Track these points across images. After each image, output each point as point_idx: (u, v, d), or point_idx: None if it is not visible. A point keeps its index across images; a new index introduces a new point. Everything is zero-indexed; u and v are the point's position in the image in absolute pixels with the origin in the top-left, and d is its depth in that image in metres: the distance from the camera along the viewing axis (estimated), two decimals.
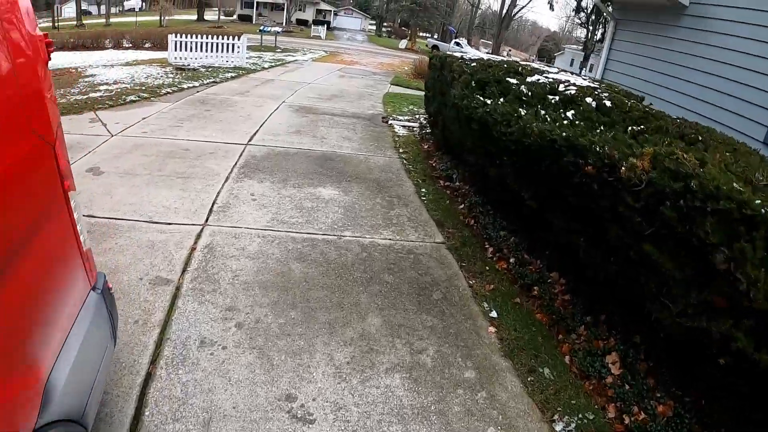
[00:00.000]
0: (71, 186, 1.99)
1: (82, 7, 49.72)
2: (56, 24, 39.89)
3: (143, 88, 11.40)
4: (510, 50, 68.47)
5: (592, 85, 5.76)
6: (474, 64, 6.43)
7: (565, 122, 4.24)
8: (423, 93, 14.66)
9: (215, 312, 3.66)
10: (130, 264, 4.16)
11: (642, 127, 4.07)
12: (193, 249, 4.46)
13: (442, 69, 7.37)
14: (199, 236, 4.69)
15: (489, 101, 5.06)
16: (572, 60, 52.95)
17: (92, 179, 5.83)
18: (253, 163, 6.79)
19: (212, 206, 5.35)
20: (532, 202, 4.39)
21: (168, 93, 11.21)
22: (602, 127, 4.05)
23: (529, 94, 5.06)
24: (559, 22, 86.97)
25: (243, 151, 7.31)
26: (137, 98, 10.35)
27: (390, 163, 7.50)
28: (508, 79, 5.58)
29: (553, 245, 4.53)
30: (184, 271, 4.13)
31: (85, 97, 10.18)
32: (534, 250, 4.94)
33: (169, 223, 4.88)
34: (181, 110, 9.57)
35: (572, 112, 4.49)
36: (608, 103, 4.74)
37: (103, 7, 52.91)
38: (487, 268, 4.81)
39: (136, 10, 59.77)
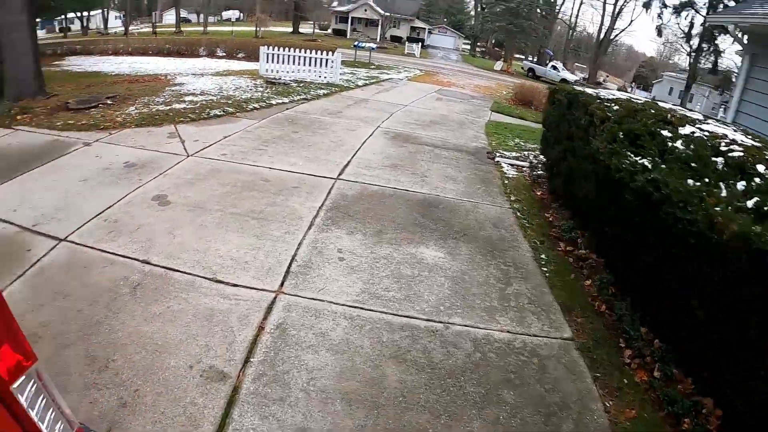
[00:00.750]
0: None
1: (182, 15, 51.91)
2: (155, 30, 41.65)
3: (229, 101, 10.80)
4: (607, 76, 65.12)
5: (756, 143, 4.44)
6: (616, 107, 5.21)
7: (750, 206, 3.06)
8: (527, 122, 13.49)
9: None
10: (181, 341, 3.28)
11: None
12: (260, 328, 3.49)
13: (571, 108, 6.16)
14: (269, 309, 3.72)
15: (646, 162, 3.92)
16: (671, 89, 49.40)
17: (157, 211, 5.08)
18: (344, 206, 5.77)
19: (290, 264, 4.37)
20: (701, 312, 3.19)
21: (255, 108, 10.52)
22: None
23: (694, 156, 3.87)
24: (657, 47, 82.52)
25: (332, 187, 6.32)
26: (222, 113, 9.74)
27: (502, 214, 6.27)
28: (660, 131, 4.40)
29: (715, 365, 3.29)
30: (246, 362, 3.18)
31: (168, 108, 9.71)
32: (685, 364, 3.68)
33: (236, 285, 3.96)
34: (267, 130, 8.80)
35: (743, 183, 3.39)
36: None
37: (201, 16, 54.96)
38: (626, 381, 3.57)
39: (233, 20, 61.96)
